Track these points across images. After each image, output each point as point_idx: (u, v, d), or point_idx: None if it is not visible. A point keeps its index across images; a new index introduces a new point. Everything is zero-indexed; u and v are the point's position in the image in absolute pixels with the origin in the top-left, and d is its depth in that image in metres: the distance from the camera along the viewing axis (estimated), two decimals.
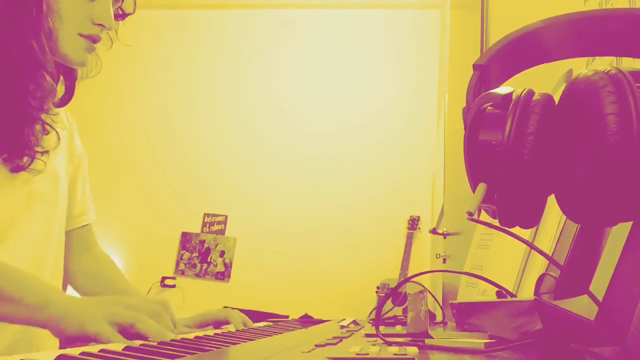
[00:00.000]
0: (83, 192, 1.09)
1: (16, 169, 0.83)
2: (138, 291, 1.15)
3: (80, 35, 0.89)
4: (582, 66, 0.80)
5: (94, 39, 0.90)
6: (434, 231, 2.67)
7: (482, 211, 0.43)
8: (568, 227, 0.71)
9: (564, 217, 0.73)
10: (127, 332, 0.64)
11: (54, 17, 0.85)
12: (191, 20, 4.62)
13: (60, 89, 0.98)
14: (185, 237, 4.26)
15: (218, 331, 0.86)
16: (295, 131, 4.33)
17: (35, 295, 0.68)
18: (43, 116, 0.87)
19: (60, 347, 0.96)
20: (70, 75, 0.99)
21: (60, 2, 0.86)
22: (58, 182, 0.95)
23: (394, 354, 0.45)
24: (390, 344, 0.56)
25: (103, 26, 0.90)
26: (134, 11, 1.00)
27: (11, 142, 0.82)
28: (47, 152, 0.87)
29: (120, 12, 0.99)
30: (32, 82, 0.83)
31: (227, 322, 1.00)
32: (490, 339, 0.57)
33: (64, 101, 1.00)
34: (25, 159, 0.83)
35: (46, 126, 0.87)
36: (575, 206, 0.39)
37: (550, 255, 0.71)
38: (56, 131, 0.90)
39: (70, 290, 1.09)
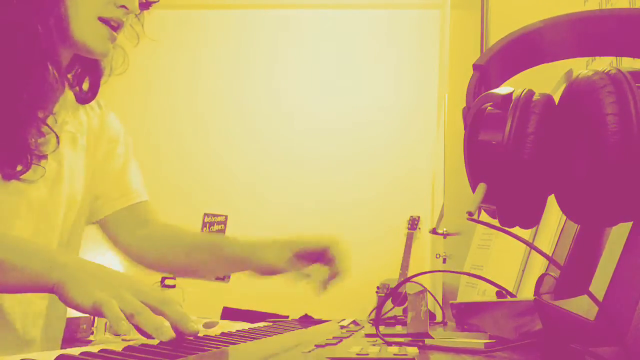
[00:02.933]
0: (121, 176, 1.03)
1: (8, 176, 0.76)
2: (214, 237, 1.09)
3: (100, 19, 0.80)
4: (582, 66, 0.80)
5: (117, 24, 0.82)
6: (434, 231, 2.67)
7: (482, 211, 0.43)
8: (568, 227, 0.71)
9: (564, 217, 0.73)
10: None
11: (68, 0, 0.78)
12: (192, 20, 4.62)
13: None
14: None
15: (218, 331, 0.86)
16: (295, 131, 4.33)
17: (39, 261, 0.65)
18: (48, 118, 0.80)
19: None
20: (94, 71, 0.92)
21: None
22: (60, 187, 0.87)
23: (394, 354, 0.45)
24: (390, 344, 0.57)
25: (126, 8, 0.81)
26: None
27: (4, 146, 0.75)
28: (45, 156, 0.80)
29: (144, 1, 0.91)
30: (33, 76, 0.75)
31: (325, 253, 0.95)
32: (490, 339, 0.57)
33: (87, 99, 0.93)
34: (19, 167, 0.76)
35: (44, 128, 0.79)
36: (575, 206, 0.39)
37: (550, 255, 0.71)
38: (55, 134, 0.81)
39: None
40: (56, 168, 0.86)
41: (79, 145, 0.93)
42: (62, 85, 0.87)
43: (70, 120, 0.89)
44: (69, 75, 0.90)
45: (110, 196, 1.01)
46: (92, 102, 0.96)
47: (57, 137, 0.82)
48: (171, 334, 0.59)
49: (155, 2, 0.93)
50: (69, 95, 0.90)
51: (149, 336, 0.59)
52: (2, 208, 0.80)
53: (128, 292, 0.61)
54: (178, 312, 0.62)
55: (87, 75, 0.92)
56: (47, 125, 0.80)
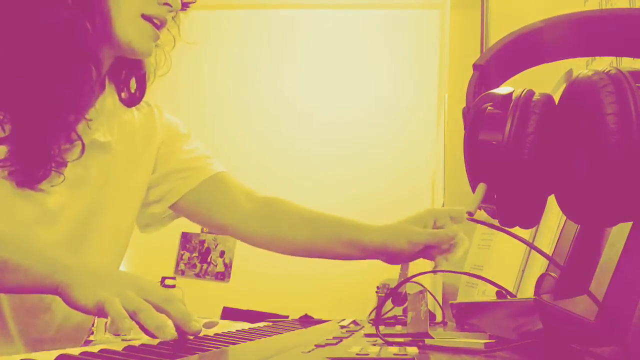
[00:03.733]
0: (186, 159, 0.98)
1: (22, 183, 0.73)
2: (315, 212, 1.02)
3: (144, 16, 0.78)
4: (582, 66, 0.80)
5: (160, 22, 0.80)
6: None
7: (482, 211, 0.43)
8: (568, 227, 0.71)
9: (564, 217, 0.73)
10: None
11: None
12: (196, 20, 4.62)
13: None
14: (185, 237, 4.26)
15: (218, 331, 0.86)
16: (296, 131, 4.33)
17: (44, 262, 0.64)
18: (81, 125, 0.77)
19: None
20: (138, 71, 0.89)
21: None
22: (84, 191, 0.83)
23: (394, 354, 0.45)
24: (390, 344, 0.57)
25: (169, 5, 0.80)
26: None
27: (28, 151, 0.71)
28: (65, 164, 0.76)
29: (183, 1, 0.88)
30: (74, 77, 0.72)
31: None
32: (490, 339, 0.57)
33: (135, 100, 0.90)
34: (39, 173, 0.73)
35: (73, 134, 0.76)
36: (575, 206, 0.39)
37: (550, 255, 0.71)
38: (82, 142, 0.77)
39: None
40: (81, 173, 0.82)
41: (114, 150, 0.87)
42: (101, 88, 0.84)
43: (102, 128, 0.84)
44: (108, 81, 0.87)
45: (179, 179, 0.96)
46: (142, 104, 0.93)
47: (84, 145, 0.78)
48: (173, 333, 0.58)
49: (192, 2, 0.90)
50: (107, 100, 0.86)
51: (151, 334, 0.59)
52: (16, 213, 0.77)
53: (131, 290, 0.61)
54: (181, 310, 0.61)
55: (133, 77, 0.90)
56: (75, 132, 0.76)
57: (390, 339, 0.60)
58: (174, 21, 0.90)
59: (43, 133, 0.73)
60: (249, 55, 4.51)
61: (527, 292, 0.81)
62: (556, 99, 0.40)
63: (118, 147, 0.88)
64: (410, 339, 0.63)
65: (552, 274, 0.68)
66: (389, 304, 1.46)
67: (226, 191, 1.00)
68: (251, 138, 4.37)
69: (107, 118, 0.86)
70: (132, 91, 0.90)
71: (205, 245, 4.26)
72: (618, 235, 0.44)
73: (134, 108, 0.93)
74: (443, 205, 2.72)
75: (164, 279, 4.13)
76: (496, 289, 0.76)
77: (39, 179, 0.74)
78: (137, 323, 0.59)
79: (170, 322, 0.60)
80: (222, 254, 4.25)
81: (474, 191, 0.41)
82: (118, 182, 0.89)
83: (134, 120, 0.94)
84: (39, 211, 0.78)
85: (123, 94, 0.89)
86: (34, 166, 0.73)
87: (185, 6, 0.88)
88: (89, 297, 0.60)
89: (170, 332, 0.58)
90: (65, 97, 0.72)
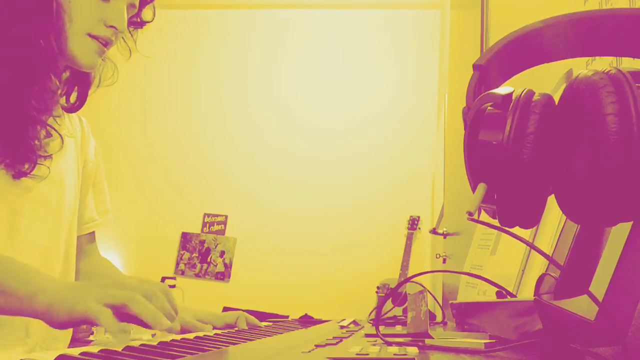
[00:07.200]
0: (95, 200, 1.09)
1: (19, 174, 0.82)
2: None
3: (90, 35, 0.87)
4: (582, 66, 0.80)
5: (105, 42, 0.88)
6: (434, 231, 2.67)
7: (482, 211, 0.43)
8: (568, 227, 0.71)
9: (564, 217, 0.73)
10: (122, 314, 0.61)
11: (64, 17, 0.84)
12: (192, 20, 4.62)
13: (72, 96, 0.98)
14: (185, 237, 4.25)
15: (218, 331, 0.86)
16: (295, 132, 4.33)
17: (25, 285, 0.66)
18: (49, 120, 0.86)
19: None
20: (83, 82, 0.97)
21: (72, 2, 0.84)
22: (64, 189, 0.93)
23: (394, 354, 0.45)
24: (390, 344, 0.57)
25: (115, 28, 0.88)
26: (153, 19, 0.98)
27: (14, 146, 0.80)
28: (50, 156, 0.86)
29: (138, 20, 0.97)
30: (37, 82, 0.82)
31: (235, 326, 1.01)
32: (490, 339, 0.57)
33: (76, 107, 0.99)
34: (26, 165, 0.82)
35: (50, 129, 0.86)
36: (575, 206, 0.39)
37: (550, 255, 0.71)
38: (60, 135, 0.88)
39: None
40: (59, 170, 0.92)
41: (74, 150, 0.99)
42: (58, 92, 0.92)
43: (64, 125, 0.94)
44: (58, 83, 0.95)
45: (80, 220, 1.04)
46: (74, 115, 1.02)
47: (62, 137, 0.89)
48: (169, 324, 0.59)
49: (149, 22, 0.99)
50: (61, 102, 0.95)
51: (146, 325, 0.59)
52: (17, 209, 0.84)
53: (112, 289, 0.63)
54: (164, 305, 0.63)
55: (77, 86, 0.98)
56: (51, 126, 0.86)
57: (390, 339, 0.61)
58: (131, 35, 1.00)
59: (20, 130, 0.81)
60: (246, 57, 4.51)
61: (527, 292, 0.81)
62: (556, 99, 0.40)
63: (76, 147, 1.01)
64: (410, 339, 0.63)
65: (552, 274, 0.68)
66: (389, 304, 1.46)
67: (86, 246, 1.09)
68: (248, 142, 4.37)
69: (62, 118, 0.96)
70: (74, 99, 0.99)
71: (205, 245, 4.26)
72: (618, 235, 0.44)
73: (70, 117, 1.01)
74: (443, 206, 2.72)
75: (164, 279, 4.12)
76: (496, 289, 0.76)
77: (28, 171, 0.82)
78: (131, 317, 0.60)
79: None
80: (222, 254, 4.24)
81: (474, 191, 0.41)
82: (77, 179, 0.99)
83: (75, 128, 1.03)
84: (27, 204, 0.86)
85: (63, 98, 0.97)
86: (22, 159, 0.81)
87: (139, 25, 0.98)
88: (71, 312, 0.62)
89: (166, 322, 0.58)
90: (32, 100, 0.81)
